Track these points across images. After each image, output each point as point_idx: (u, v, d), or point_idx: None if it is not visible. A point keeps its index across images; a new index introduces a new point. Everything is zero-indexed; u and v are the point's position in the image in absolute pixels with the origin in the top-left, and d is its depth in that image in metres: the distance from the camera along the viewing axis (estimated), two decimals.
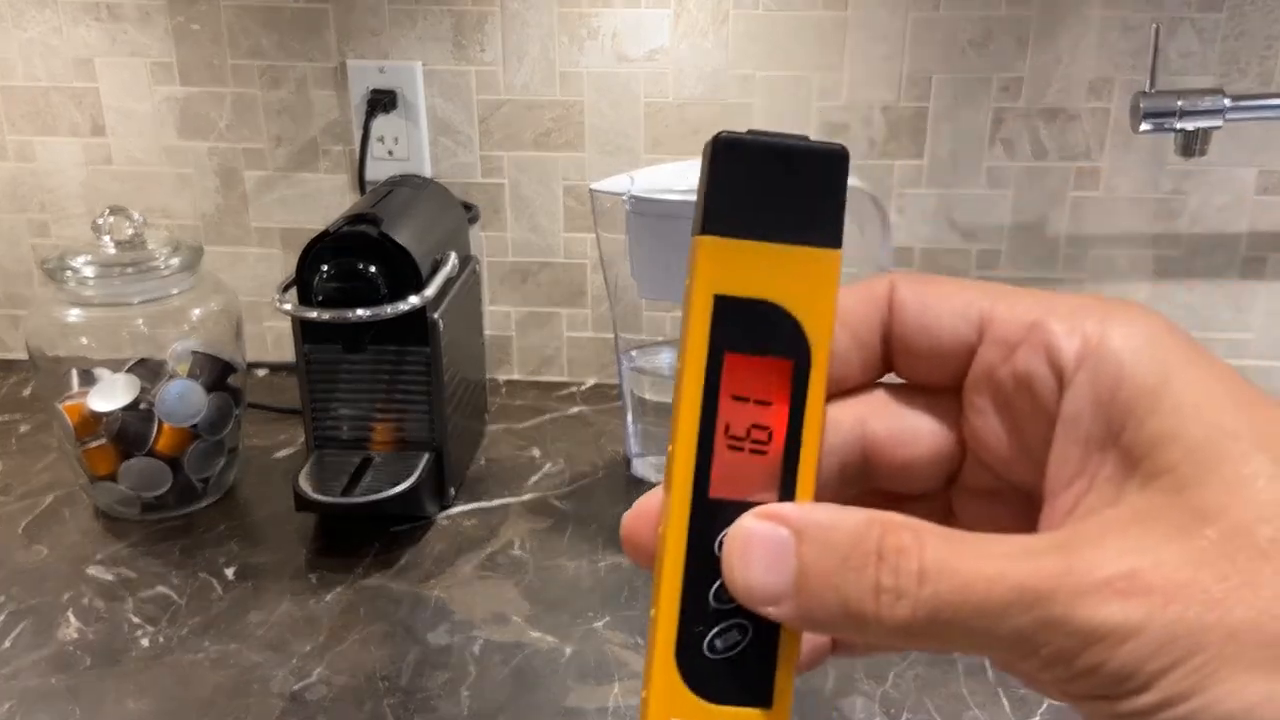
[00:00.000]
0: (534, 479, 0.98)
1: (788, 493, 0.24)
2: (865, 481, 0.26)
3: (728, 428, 0.24)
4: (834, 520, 0.22)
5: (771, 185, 0.23)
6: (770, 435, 0.24)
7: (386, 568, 0.83)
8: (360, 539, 0.87)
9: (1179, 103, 0.93)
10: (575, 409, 1.12)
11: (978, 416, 0.24)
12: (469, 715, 0.68)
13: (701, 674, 0.23)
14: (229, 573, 0.83)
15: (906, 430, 0.25)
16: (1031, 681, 0.22)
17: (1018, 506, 0.25)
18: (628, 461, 0.99)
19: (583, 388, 1.18)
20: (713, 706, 0.23)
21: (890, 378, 0.26)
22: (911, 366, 0.25)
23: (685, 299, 0.24)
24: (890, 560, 0.21)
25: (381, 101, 1.07)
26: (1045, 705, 0.69)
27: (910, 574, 0.21)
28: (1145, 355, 0.21)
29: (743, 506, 0.23)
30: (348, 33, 1.07)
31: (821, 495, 0.24)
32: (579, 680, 0.71)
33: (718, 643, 0.23)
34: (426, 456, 0.88)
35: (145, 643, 0.75)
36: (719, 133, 0.23)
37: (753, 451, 0.24)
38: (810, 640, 0.25)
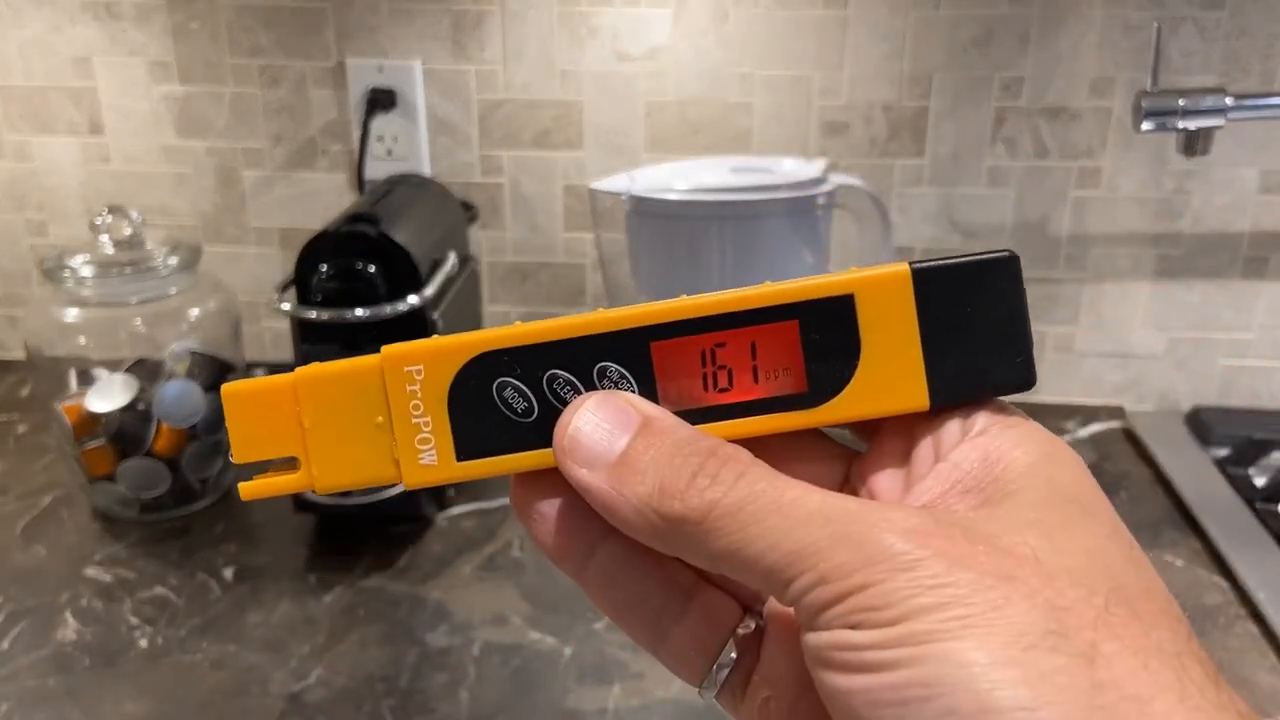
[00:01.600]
0: None
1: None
2: None
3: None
4: (679, 423, 0.25)
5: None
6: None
7: (385, 569, 0.83)
8: (359, 540, 0.87)
9: (1181, 102, 0.92)
10: None
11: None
12: (468, 716, 0.67)
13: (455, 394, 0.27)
14: (227, 574, 0.83)
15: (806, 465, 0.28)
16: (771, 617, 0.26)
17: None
18: None
19: None
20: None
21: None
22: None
23: None
24: (720, 458, 0.24)
25: (380, 100, 1.07)
26: None
27: (733, 472, 0.23)
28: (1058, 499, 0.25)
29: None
30: (347, 32, 1.07)
31: None
32: (578, 681, 0.71)
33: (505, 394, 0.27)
34: None
35: (144, 643, 0.74)
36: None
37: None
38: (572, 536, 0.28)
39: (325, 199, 1.14)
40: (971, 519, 0.23)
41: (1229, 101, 0.92)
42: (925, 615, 0.21)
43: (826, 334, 0.26)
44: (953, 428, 0.26)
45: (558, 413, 0.26)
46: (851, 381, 0.26)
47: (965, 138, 1.05)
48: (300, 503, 0.84)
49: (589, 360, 0.26)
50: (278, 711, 0.68)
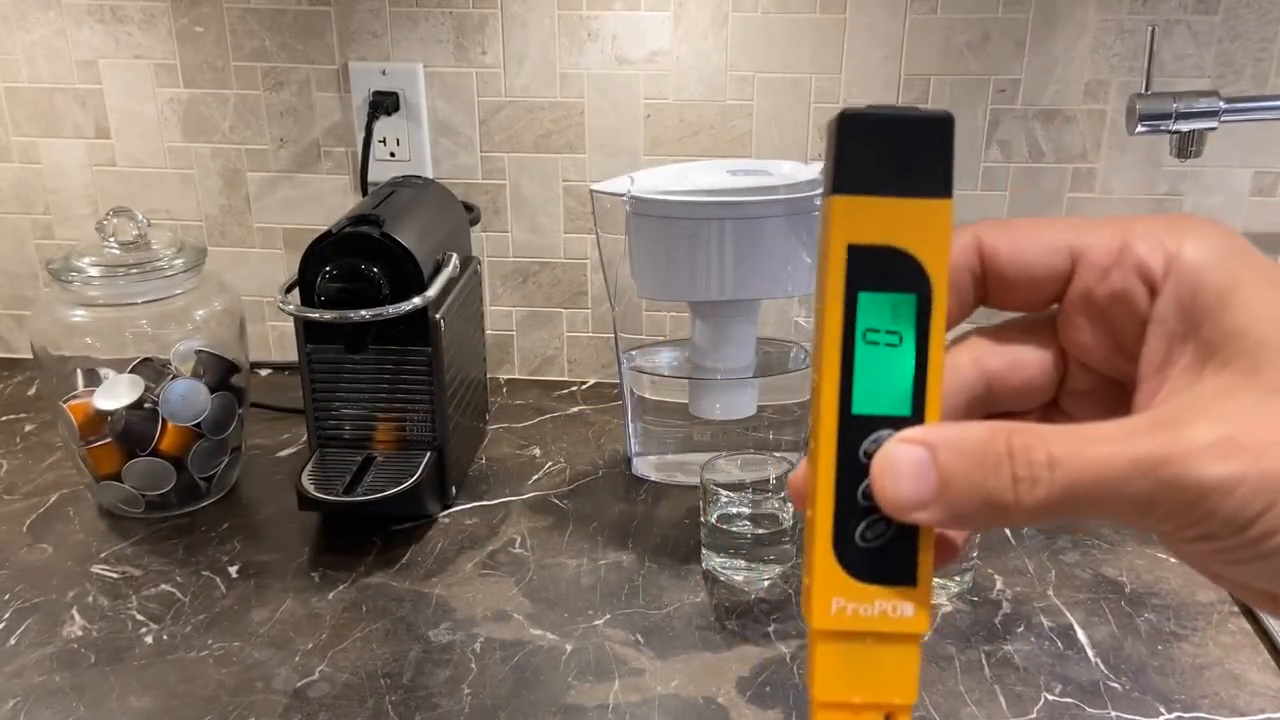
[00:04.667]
0: (534, 478, 0.98)
1: (918, 410, 0.27)
2: (988, 409, 0.30)
3: (861, 358, 0.27)
4: (961, 432, 0.26)
5: (889, 149, 0.26)
6: (901, 362, 0.27)
7: (388, 566, 0.84)
8: (362, 537, 0.88)
9: (1174, 104, 0.93)
10: (575, 408, 1.13)
11: (1079, 331, 0.29)
12: (470, 712, 0.68)
13: (855, 560, 0.28)
14: (232, 571, 0.84)
15: (1017, 359, 0.30)
16: (1150, 532, 0.26)
17: (1114, 398, 0.29)
18: (628, 460, 1.00)
19: (583, 387, 1.18)
20: (867, 586, 0.28)
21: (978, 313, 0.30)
22: (1008, 297, 0.29)
23: (821, 252, 0.28)
24: (1020, 456, 0.25)
25: (383, 103, 1.08)
26: (1042, 701, 0.69)
27: (1040, 463, 0.25)
28: (1216, 265, 0.26)
29: (881, 421, 0.27)
30: (350, 35, 1.08)
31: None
32: (579, 678, 0.72)
33: (868, 534, 0.28)
34: (428, 455, 0.89)
35: (149, 640, 0.75)
36: (843, 109, 0.27)
37: (887, 375, 0.27)
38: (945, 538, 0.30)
39: (329, 200, 1.15)
40: (1241, 391, 0.25)
41: (1222, 104, 0.93)
42: (1268, 513, 0.24)
43: (888, 271, 0.27)
44: (1117, 271, 0.27)
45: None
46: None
47: (961, 140, 1.06)
48: (304, 501, 0.85)
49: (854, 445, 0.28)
50: (282, 707, 0.69)
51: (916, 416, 0.27)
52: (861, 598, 0.28)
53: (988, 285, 0.29)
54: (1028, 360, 0.30)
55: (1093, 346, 0.29)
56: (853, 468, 0.27)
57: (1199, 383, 0.26)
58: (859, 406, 0.27)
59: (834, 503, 0.28)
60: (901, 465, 0.26)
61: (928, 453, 0.26)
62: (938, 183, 0.27)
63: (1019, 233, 0.29)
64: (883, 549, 0.28)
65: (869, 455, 0.27)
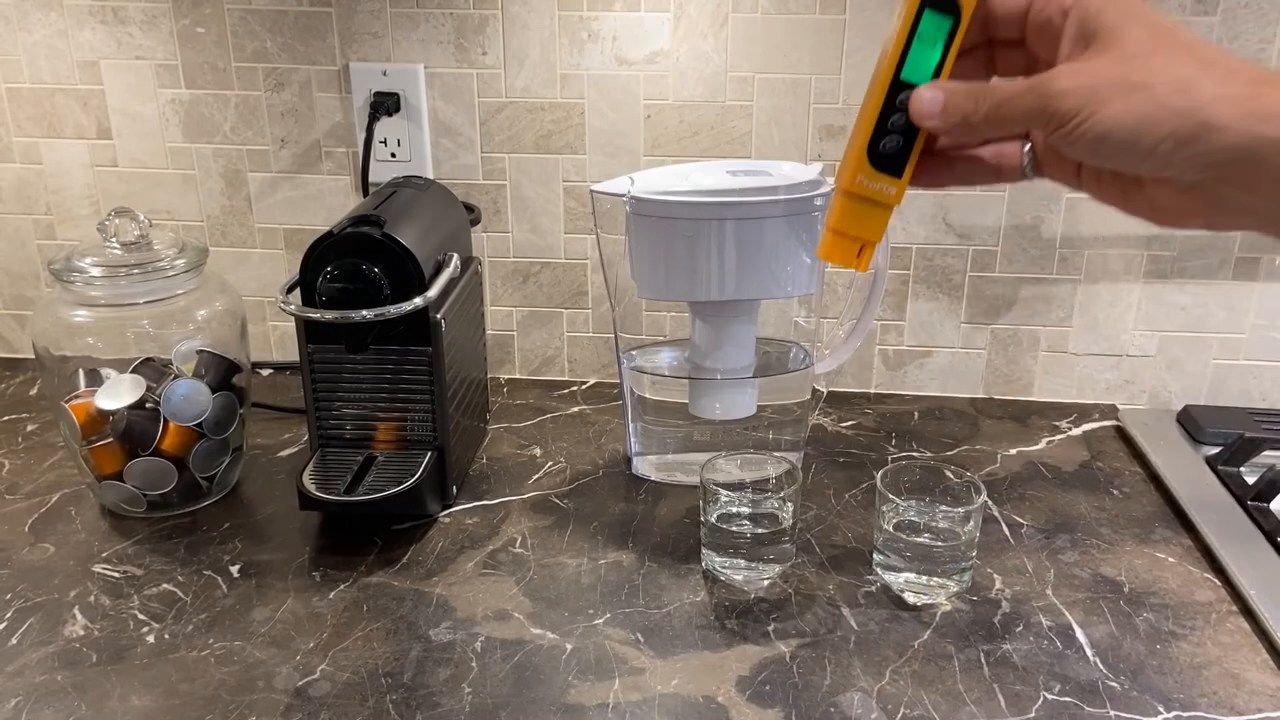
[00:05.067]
0: (535, 477, 0.99)
1: (938, 74, 0.48)
2: (984, 33, 0.49)
3: (915, 48, 0.48)
4: (956, 87, 0.47)
5: None
6: (934, 55, 0.48)
7: (389, 565, 0.84)
8: (363, 537, 0.88)
9: None
10: (576, 408, 1.13)
11: (1031, 39, 0.48)
12: (470, 711, 0.69)
13: (875, 157, 0.50)
14: (234, 570, 0.84)
15: (1005, 12, 0.48)
16: (1037, 134, 0.50)
17: (1029, 64, 0.49)
18: (628, 460, 1.00)
19: (583, 387, 1.19)
20: (877, 173, 0.50)
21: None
22: (996, 26, 0.49)
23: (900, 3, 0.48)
24: (978, 93, 0.46)
25: (384, 104, 1.08)
26: (1041, 700, 0.70)
27: (986, 98, 0.46)
28: (1109, 9, 0.44)
29: (913, 86, 0.48)
30: (350, 36, 1.08)
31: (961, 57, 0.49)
32: (580, 677, 0.72)
33: (887, 144, 0.50)
34: (429, 455, 0.89)
35: (151, 639, 0.76)
36: None
37: (924, 62, 0.48)
38: (937, 164, 0.52)
39: (330, 201, 1.15)
40: (1091, 58, 0.44)
41: None
42: (1089, 105, 0.43)
43: (941, 3, 0.48)
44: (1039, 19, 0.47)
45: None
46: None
47: None
48: (305, 500, 0.85)
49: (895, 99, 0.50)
50: (283, 706, 0.69)
51: (936, 75, 0.48)
52: (871, 177, 0.50)
53: (988, 21, 0.49)
54: (1010, 15, 0.49)
55: (1035, 37, 0.48)
56: (890, 107, 0.49)
57: (1077, 60, 0.45)
58: (905, 75, 0.48)
59: (874, 123, 0.49)
60: (926, 95, 0.48)
61: (942, 93, 0.48)
62: None
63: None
64: (891, 155, 0.50)
65: (903, 103, 0.48)
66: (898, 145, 0.49)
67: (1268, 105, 0.40)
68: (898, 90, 0.48)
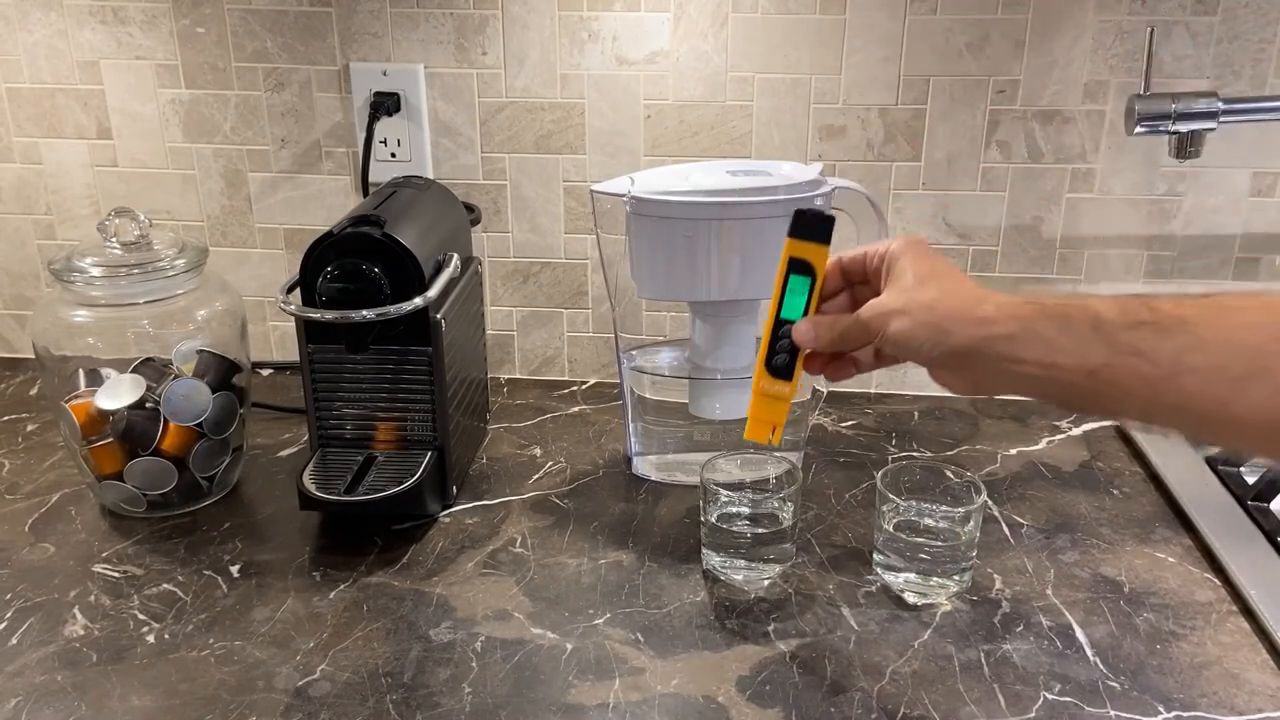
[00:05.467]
0: (535, 477, 0.99)
1: (806, 312, 0.65)
2: (844, 279, 0.67)
3: (788, 298, 0.65)
4: (820, 320, 0.65)
5: (808, 223, 0.64)
6: (802, 301, 0.65)
7: (389, 565, 0.84)
8: (363, 537, 0.88)
9: (1173, 105, 0.94)
10: (576, 408, 1.13)
11: (869, 275, 0.65)
12: (471, 711, 0.69)
13: (771, 368, 0.66)
14: (234, 570, 0.84)
15: (850, 265, 0.66)
16: (878, 347, 0.64)
17: (875, 295, 0.63)
18: (628, 460, 1.00)
19: (583, 387, 1.19)
20: (773, 379, 0.66)
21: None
22: (845, 277, 0.67)
23: (782, 256, 0.65)
24: (830, 324, 0.64)
25: (384, 104, 1.08)
26: (1041, 700, 0.70)
27: (835, 327, 0.64)
28: (899, 251, 0.62)
29: (790, 321, 0.65)
30: (351, 36, 1.08)
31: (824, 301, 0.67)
32: (580, 676, 0.72)
33: (777, 360, 0.66)
34: (429, 455, 0.89)
35: (151, 639, 0.76)
36: (795, 209, 0.65)
37: (796, 306, 0.65)
38: (825, 361, 0.67)
39: (330, 201, 1.15)
40: (891, 293, 0.61)
41: (1221, 105, 0.93)
42: (882, 325, 0.61)
43: (803, 266, 0.65)
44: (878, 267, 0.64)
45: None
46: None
47: (960, 141, 1.06)
48: (305, 500, 0.85)
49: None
50: (283, 706, 0.69)
51: (806, 313, 0.65)
52: (770, 383, 0.66)
53: (843, 272, 0.66)
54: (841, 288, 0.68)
55: (875, 283, 0.64)
56: (776, 335, 0.65)
57: (883, 294, 0.62)
58: (784, 314, 0.65)
59: (767, 348, 0.66)
60: (803, 328, 0.64)
61: (813, 326, 0.64)
62: (825, 238, 0.64)
63: (849, 258, 0.65)
64: (781, 367, 0.66)
65: (785, 333, 0.65)
66: (786, 360, 0.65)
67: (981, 313, 0.56)
68: (780, 325, 0.65)
